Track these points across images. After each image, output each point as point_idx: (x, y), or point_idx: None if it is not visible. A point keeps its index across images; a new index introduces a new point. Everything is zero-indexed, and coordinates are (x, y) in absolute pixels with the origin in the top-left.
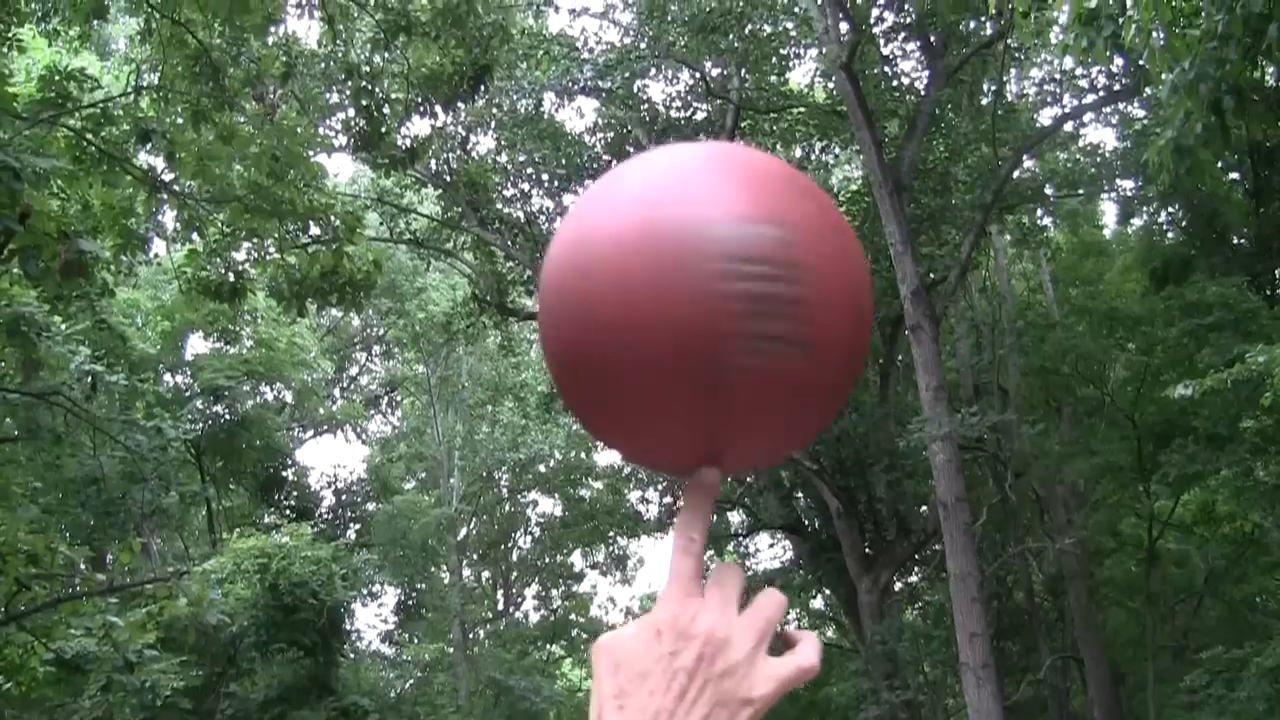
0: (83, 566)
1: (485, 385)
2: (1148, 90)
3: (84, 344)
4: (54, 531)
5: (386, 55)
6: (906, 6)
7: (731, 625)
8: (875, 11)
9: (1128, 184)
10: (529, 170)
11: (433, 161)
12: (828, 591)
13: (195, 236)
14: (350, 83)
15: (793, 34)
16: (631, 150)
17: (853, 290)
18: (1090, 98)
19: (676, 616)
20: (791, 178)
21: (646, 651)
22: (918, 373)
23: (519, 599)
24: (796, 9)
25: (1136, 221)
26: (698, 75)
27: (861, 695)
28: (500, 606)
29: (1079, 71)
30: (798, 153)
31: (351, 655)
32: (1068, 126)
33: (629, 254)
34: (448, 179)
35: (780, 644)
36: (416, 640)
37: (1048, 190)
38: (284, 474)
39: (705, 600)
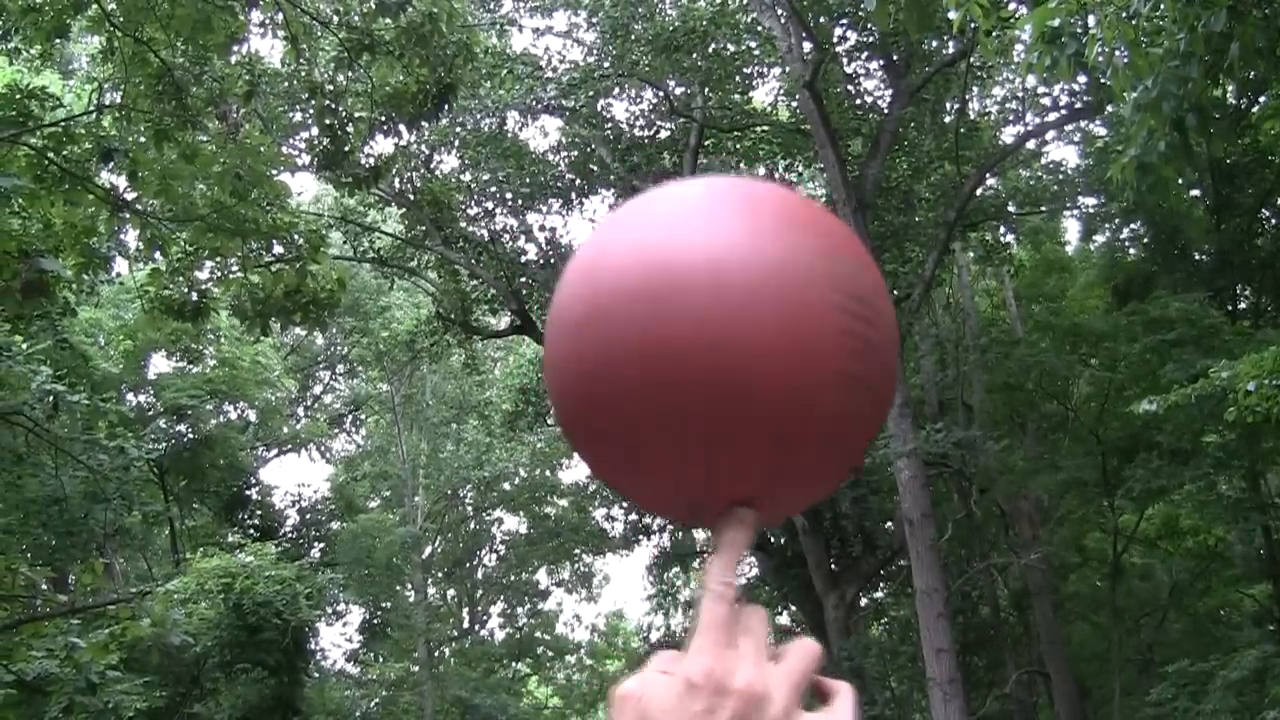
0: (44, 587)
1: (449, 403)
2: (1109, 108)
3: (45, 363)
4: (15, 552)
5: (350, 74)
6: (869, 25)
7: (768, 679)
8: (838, 31)
9: (1090, 201)
10: (493, 189)
11: (396, 180)
12: (794, 607)
13: (158, 255)
14: (313, 102)
15: (756, 53)
16: (595, 169)
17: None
18: (1053, 116)
19: (712, 670)
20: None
21: (679, 707)
22: None
23: (484, 617)
24: (759, 28)
25: (1099, 238)
26: (661, 94)
27: None
28: (465, 625)
29: (1041, 90)
30: (761, 171)
31: (316, 675)
32: (1030, 144)
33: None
34: (411, 198)
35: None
36: (382, 659)
37: (1010, 207)
38: (248, 493)
39: (740, 651)
